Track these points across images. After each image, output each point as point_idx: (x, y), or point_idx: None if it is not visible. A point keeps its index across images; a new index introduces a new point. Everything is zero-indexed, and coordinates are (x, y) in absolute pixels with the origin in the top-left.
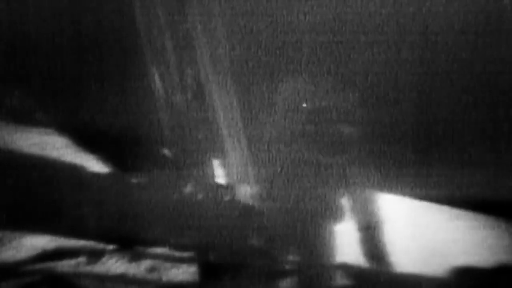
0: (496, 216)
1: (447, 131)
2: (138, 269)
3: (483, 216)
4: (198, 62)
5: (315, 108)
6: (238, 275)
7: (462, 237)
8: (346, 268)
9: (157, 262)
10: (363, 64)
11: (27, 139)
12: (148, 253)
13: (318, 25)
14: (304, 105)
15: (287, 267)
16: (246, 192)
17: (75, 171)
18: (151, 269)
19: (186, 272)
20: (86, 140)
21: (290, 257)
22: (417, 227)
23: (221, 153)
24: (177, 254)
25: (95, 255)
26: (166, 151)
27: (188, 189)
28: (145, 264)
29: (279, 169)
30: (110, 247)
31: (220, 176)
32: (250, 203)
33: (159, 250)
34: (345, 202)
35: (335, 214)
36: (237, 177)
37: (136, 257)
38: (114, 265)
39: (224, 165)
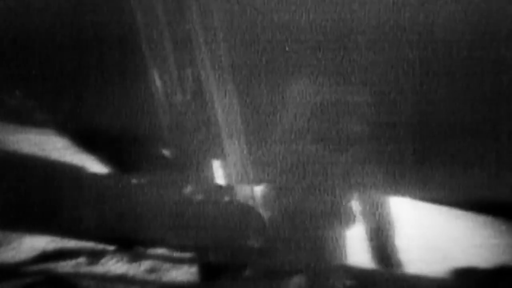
0: (496, 216)
1: (446, 131)
2: (138, 269)
3: (483, 216)
4: (198, 62)
5: (316, 108)
6: (238, 275)
7: (462, 237)
8: (347, 268)
9: (157, 263)
10: (363, 64)
11: (27, 139)
12: (148, 253)
13: (318, 24)
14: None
15: (287, 267)
16: (246, 192)
17: (75, 171)
18: (151, 270)
19: (186, 272)
20: (86, 140)
21: (291, 258)
22: (417, 227)
23: (221, 154)
24: (177, 254)
25: (95, 256)
26: (166, 152)
27: (188, 189)
28: (145, 264)
29: (279, 169)
30: (110, 247)
31: (220, 176)
32: (250, 204)
33: (159, 250)
34: (346, 202)
35: (335, 214)
36: (237, 177)
37: (136, 258)
38: (114, 265)
39: (224, 166)
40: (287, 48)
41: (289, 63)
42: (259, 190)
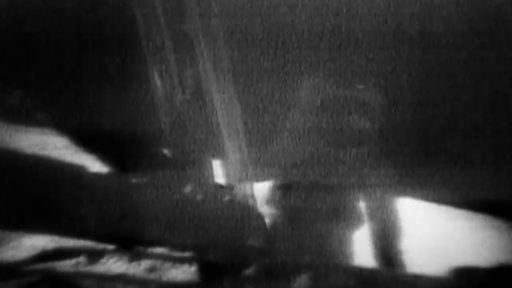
0: (496, 216)
1: (446, 131)
2: (138, 269)
3: (483, 216)
4: (198, 62)
5: (318, 107)
6: (238, 275)
7: (462, 237)
8: (348, 268)
9: (157, 262)
10: (363, 63)
11: (27, 139)
12: (148, 253)
13: (318, 24)
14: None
15: (288, 267)
16: (246, 191)
17: (75, 171)
18: (151, 269)
19: (186, 272)
20: (86, 140)
21: (292, 257)
22: (417, 227)
23: (221, 153)
24: (177, 254)
25: (95, 255)
26: (166, 151)
27: (188, 189)
28: (145, 264)
29: (280, 169)
30: (110, 247)
31: (220, 176)
32: (250, 203)
33: (159, 250)
34: (349, 201)
35: (337, 213)
36: (237, 176)
37: (136, 257)
38: (114, 265)
39: (224, 165)
40: (295, 46)
41: (289, 62)
42: (259, 189)
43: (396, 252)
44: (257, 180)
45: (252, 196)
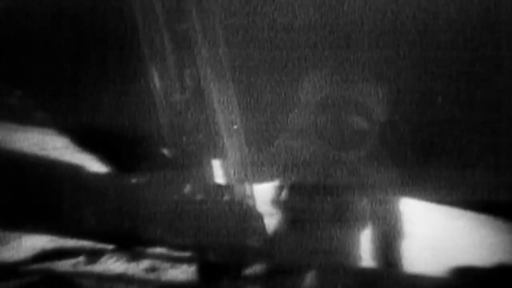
0: (496, 216)
1: (446, 131)
2: (137, 268)
3: (483, 216)
4: (197, 62)
5: (318, 106)
6: (238, 275)
7: (462, 237)
8: (347, 268)
9: (157, 262)
10: (364, 63)
11: (27, 139)
12: (147, 253)
13: (318, 23)
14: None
15: (288, 267)
16: (246, 191)
17: (75, 171)
18: (151, 269)
19: (185, 272)
20: (86, 140)
21: (292, 257)
22: (418, 227)
23: (221, 153)
24: (177, 254)
25: (94, 255)
26: (165, 151)
27: (188, 189)
28: (145, 264)
29: (280, 169)
30: (110, 247)
31: (219, 176)
32: (250, 203)
33: (158, 250)
34: (349, 202)
35: (338, 214)
36: (237, 177)
37: (135, 257)
38: (113, 265)
39: (224, 165)
40: (295, 45)
41: (289, 62)
42: (259, 189)
43: (397, 252)
44: (257, 180)
45: (252, 196)
